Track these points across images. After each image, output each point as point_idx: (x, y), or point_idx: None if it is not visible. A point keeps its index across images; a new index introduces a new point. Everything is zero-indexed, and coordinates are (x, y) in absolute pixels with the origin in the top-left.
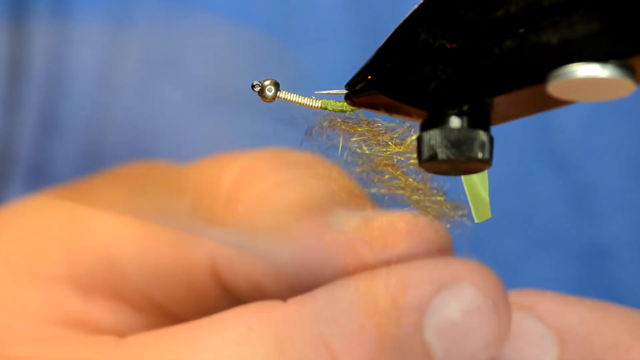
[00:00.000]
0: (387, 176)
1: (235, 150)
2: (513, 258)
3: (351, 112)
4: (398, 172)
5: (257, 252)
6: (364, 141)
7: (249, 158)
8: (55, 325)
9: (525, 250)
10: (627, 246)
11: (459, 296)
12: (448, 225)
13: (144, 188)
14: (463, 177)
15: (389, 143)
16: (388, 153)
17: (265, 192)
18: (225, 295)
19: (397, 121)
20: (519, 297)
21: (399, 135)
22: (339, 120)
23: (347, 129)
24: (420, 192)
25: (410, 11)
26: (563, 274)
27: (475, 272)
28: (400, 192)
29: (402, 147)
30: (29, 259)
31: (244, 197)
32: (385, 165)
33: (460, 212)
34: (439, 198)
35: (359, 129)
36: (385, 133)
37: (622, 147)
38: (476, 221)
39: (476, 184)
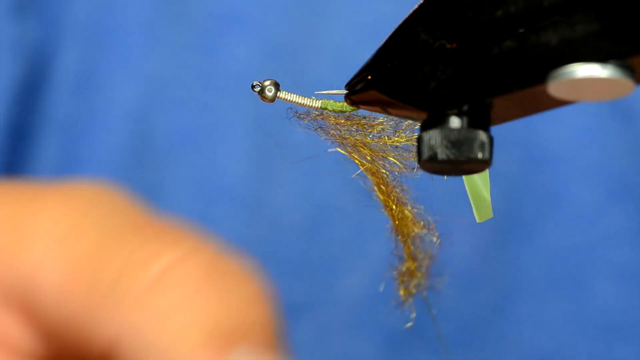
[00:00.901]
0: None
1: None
2: (589, 210)
3: (351, 112)
4: (379, 180)
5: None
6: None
7: (183, 253)
8: None
9: (599, 201)
10: None
11: None
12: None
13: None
14: (464, 177)
15: (382, 146)
16: (374, 158)
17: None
18: None
19: (393, 121)
20: None
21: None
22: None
23: (339, 126)
24: (397, 202)
25: (410, 11)
26: (634, 223)
27: None
28: (381, 197)
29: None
30: None
31: (160, 301)
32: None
33: (423, 230)
34: (408, 213)
35: (351, 127)
36: (374, 130)
37: None
38: (478, 221)
39: (478, 184)
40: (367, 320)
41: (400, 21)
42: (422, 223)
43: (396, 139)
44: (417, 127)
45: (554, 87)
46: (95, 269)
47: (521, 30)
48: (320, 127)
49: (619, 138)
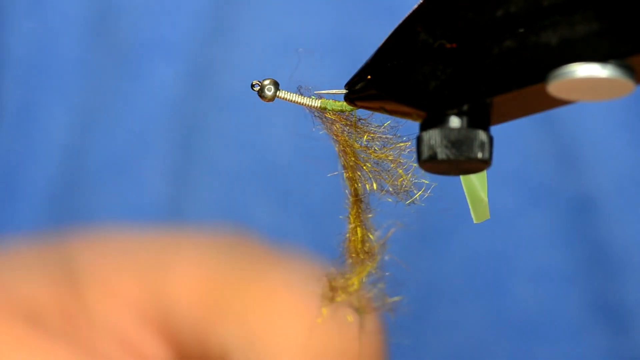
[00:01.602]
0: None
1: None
2: (507, 214)
3: (350, 112)
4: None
5: None
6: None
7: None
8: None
9: (518, 206)
10: (612, 195)
11: None
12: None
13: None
14: (462, 178)
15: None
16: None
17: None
18: None
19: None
20: None
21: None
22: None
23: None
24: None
25: (410, 11)
26: (555, 228)
27: None
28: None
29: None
30: (108, 277)
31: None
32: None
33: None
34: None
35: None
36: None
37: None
38: (475, 222)
39: (475, 185)
40: None
41: (400, 21)
42: (369, 244)
43: (381, 154)
44: (405, 151)
45: (554, 87)
46: (225, 289)
47: (521, 30)
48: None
49: (538, 143)
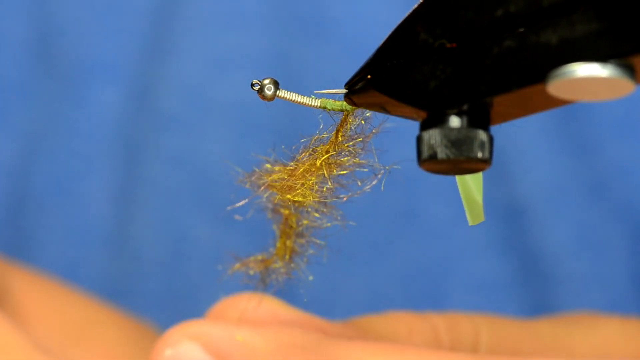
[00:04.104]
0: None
1: None
2: (442, 225)
3: (350, 112)
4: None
5: None
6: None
7: None
8: None
9: (452, 216)
10: (541, 202)
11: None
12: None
13: None
14: (458, 180)
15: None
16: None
17: None
18: None
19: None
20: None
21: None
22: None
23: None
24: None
25: (410, 11)
26: (489, 236)
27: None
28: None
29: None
30: None
31: None
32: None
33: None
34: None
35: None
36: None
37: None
38: (470, 224)
39: (470, 187)
40: None
41: (399, 21)
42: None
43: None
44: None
45: (554, 87)
46: None
47: (521, 30)
48: None
49: None
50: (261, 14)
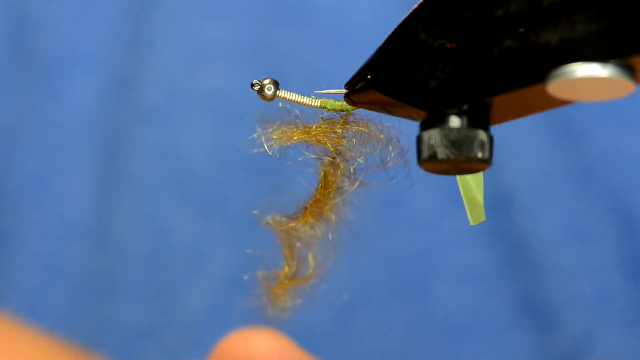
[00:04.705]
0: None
1: None
2: (428, 215)
3: (350, 112)
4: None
5: None
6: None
7: None
8: None
9: (439, 206)
10: (527, 192)
11: None
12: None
13: None
14: (458, 180)
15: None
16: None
17: None
18: None
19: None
20: None
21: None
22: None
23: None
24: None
25: (410, 11)
26: (475, 226)
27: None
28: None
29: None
30: None
31: None
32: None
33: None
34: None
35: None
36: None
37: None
38: (471, 224)
39: (471, 186)
40: (211, 338)
41: (399, 21)
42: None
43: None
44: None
45: (554, 87)
46: None
47: (521, 30)
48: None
49: None
50: (241, 3)
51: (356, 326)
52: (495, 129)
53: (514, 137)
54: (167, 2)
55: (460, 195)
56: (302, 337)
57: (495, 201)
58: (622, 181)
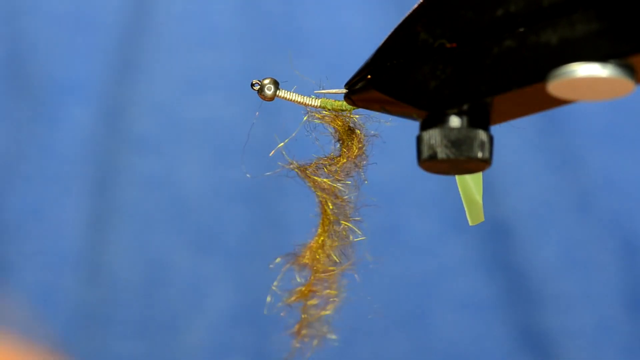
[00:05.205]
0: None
1: None
2: (426, 241)
3: (350, 111)
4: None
5: None
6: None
7: None
8: None
9: (437, 233)
10: (526, 219)
11: None
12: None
13: None
14: (458, 181)
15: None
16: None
17: None
18: None
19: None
20: None
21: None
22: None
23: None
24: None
25: (410, 11)
26: (475, 254)
27: None
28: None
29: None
30: None
31: None
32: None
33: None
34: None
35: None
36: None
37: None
38: (470, 224)
39: (470, 187)
40: None
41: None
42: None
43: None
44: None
45: (554, 87)
46: None
47: (521, 30)
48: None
49: None
50: (233, 32)
51: (355, 354)
52: (493, 155)
53: (513, 163)
54: (160, 30)
55: (459, 221)
56: None
57: (495, 229)
58: (622, 207)
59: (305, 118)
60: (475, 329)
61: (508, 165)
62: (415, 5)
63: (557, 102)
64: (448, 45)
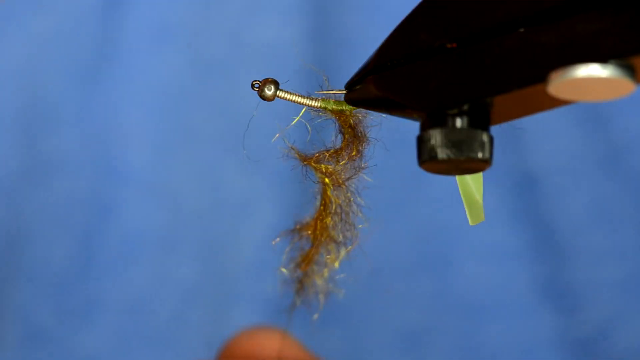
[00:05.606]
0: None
1: None
2: (455, 189)
3: (351, 111)
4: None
5: None
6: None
7: None
8: None
9: None
10: (555, 173)
11: None
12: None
13: None
14: (458, 180)
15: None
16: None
17: None
18: None
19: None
20: None
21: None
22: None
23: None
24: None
25: (410, 11)
26: (502, 205)
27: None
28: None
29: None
30: None
31: None
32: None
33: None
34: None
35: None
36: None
37: None
38: (471, 224)
39: (470, 187)
40: None
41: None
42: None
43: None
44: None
45: (554, 87)
46: None
47: (521, 30)
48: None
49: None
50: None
51: (380, 294)
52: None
53: (542, 117)
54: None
55: (486, 172)
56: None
57: (524, 182)
58: None
59: (304, 109)
60: (500, 278)
61: (537, 118)
62: (416, 5)
63: (558, 102)
64: (448, 45)
